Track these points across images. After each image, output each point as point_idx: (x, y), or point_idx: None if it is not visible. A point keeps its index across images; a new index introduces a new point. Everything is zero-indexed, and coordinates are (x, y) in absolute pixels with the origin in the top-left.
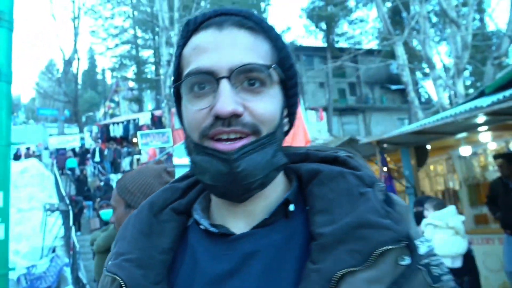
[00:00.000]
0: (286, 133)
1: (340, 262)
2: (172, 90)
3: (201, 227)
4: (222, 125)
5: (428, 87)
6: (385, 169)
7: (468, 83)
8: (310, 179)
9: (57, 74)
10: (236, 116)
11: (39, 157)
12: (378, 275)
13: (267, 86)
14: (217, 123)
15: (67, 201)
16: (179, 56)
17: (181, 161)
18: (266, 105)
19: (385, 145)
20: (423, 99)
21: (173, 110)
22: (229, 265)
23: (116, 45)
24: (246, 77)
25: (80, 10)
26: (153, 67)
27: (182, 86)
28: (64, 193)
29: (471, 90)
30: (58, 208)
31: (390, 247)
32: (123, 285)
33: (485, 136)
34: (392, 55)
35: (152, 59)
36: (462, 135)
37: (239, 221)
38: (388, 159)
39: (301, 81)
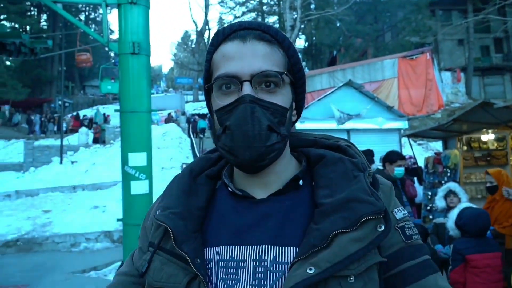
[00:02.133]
0: (294, 122)
1: (335, 224)
2: (204, 87)
3: (229, 189)
4: None
5: None
6: None
7: None
8: (317, 161)
9: (191, 45)
10: None
11: (177, 122)
12: (360, 236)
13: (280, 87)
14: None
15: None
16: (209, 60)
17: (305, 126)
18: (277, 102)
19: None
20: None
21: None
22: (250, 220)
23: (243, 13)
24: (264, 81)
25: None
26: None
27: (213, 85)
28: (198, 154)
29: None
30: None
31: (372, 217)
32: (170, 232)
33: None
34: None
35: (276, 25)
36: None
37: (256, 189)
38: None
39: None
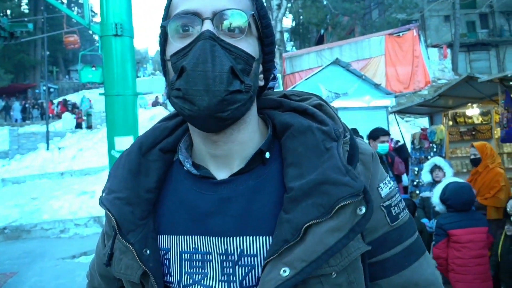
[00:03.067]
0: (262, 88)
1: (307, 214)
2: (160, 32)
3: (185, 168)
4: None
5: None
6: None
7: None
8: (283, 131)
9: None
10: None
11: (164, 105)
12: (338, 225)
13: (245, 34)
14: None
15: None
16: (168, 6)
17: None
18: (242, 47)
19: (511, 83)
20: None
21: (284, 55)
22: (210, 206)
23: None
24: (227, 24)
25: None
26: None
27: (169, 26)
28: None
29: None
30: None
31: (349, 201)
32: (114, 220)
33: None
34: None
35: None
36: None
37: (220, 165)
38: None
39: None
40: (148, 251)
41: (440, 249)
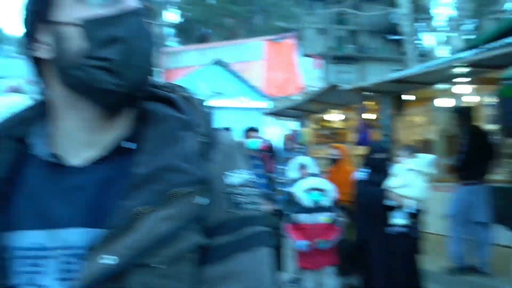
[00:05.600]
0: None
1: (141, 200)
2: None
3: (34, 153)
4: None
5: (426, 39)
6: (363, 117)
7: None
8: (146, 119)
9: None
10: None
11: (27, 92)
12: (173, 214)
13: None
14: None
15: None
16: None
17: None
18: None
19: (365, 93)
20: (420, 51)
21: (165, 50)
22: (58, 195)
23: None
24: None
25: None
26: None
27: None
28: None
29: None
30: None
31: (185, 189)
32: None
33: (464, 88)
34: (392, 3)
35: None
36: (442, 86)
37: (86, 152)
38: (376, 106)
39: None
40: None
41: None
